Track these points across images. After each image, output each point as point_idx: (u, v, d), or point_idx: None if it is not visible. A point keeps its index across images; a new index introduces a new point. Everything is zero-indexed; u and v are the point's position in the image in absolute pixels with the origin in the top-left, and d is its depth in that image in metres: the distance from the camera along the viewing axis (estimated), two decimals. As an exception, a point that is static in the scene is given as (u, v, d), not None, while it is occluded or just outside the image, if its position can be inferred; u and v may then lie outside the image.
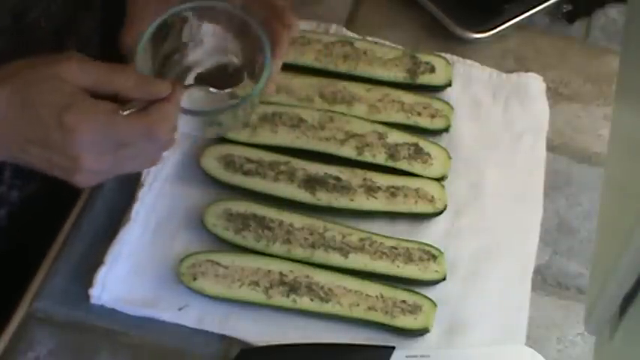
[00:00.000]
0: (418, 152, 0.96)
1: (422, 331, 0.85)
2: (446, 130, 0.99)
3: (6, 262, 0.94)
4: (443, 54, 1.05)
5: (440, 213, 0.93)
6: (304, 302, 0.85)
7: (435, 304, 0.86)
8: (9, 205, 0.93)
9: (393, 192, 0.93)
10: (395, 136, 0.96)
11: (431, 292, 0.88)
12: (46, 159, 0.70)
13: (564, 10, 1.13)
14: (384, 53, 1.03)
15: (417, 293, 0.87)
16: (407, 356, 0.83)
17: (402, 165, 0.95)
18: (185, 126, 0.79)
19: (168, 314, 0.85)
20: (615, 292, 0.57)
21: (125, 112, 0.70)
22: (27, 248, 0.92)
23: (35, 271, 0.88)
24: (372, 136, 0.96)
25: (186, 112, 0.77)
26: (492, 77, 1.05)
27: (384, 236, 0.90)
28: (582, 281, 0.91)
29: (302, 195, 0.92)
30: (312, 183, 0.92)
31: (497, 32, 1.09)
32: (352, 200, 0.92)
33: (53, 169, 0.71)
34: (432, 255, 0.89)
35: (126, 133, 0.70)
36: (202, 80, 0.81)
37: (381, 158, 0.95)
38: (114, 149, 0.71)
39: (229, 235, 0.89)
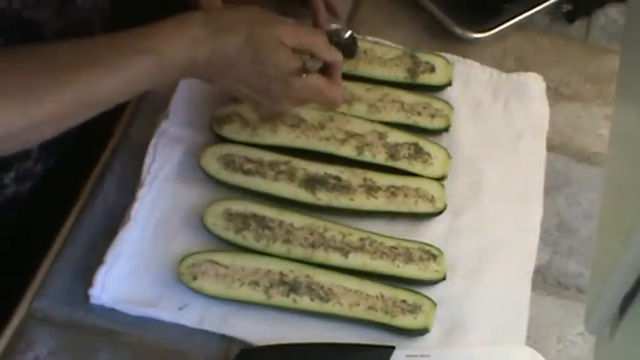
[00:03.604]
0: (418, 152, 0.96)
1: (422, 331, 0.85)
2: (446, 129, 0.99)
3: (11, 254, 0.96)
4: (443, 54, 1.05)
5: (440, 213, 0.93)
6: (304, 302, 0.85)
7: (434, 304, 0.86)
8: (33, 178, 0.95)
9: (393, 192, 0.93)
10: (395, 136, 0.96)
11: (431, 292, 0.88)
12: (253, 98, 0.88)
13: (564, 10, 1.13)
14: (384, 53, 1.03)
15: (417, 293, 0.87)
16: (407, 356, 0.83)
17: (402, 165, 0.95)
18: None
19: (168, 314, 0.85)
20: (615, 292, 0.56)
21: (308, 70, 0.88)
22: (43, 225, 0.93)
23: (36, 268, 0.88)
24: (372, 135, 0.96)
25: None
26: (492, 77, 1.05)
27: (384, 236, 0.90)
28: (582, 281, 0.91)
29: (302, 195, 0.92)
30: (312, 183, 0.92)
31: (497, 32, 1.09)
32: (352, 200, 0.92)
33: (251, 102, 0.90)
34: (432, 255, 0.89)
35: (328, 94, 0.89)
36: None
37: (381, 158, 0.95)
38: (307, 101, 0.90)
39: (229, 234, 0.89)
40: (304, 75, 0.87)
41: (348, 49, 0.96)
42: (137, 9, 1.03)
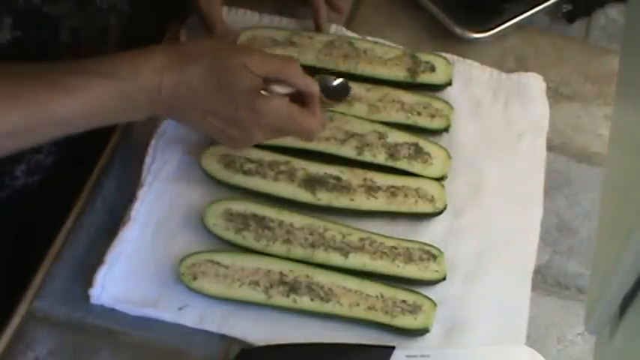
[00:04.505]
0: (418, 152, 0.96)
1: (422, 331, 0.85)
2: (446, 129, 0.99)
3: (15, 250, 0.97)
4: (443, 54, 1.05)
5: (440, 213, 0.93)
6: (304, 302, 0.85)
7: (434, 304, 0.86)
8: (44, 170, 0.95)
9: (393, 192, 0.93)
10: (395, 136, 0.96)
11: (431, 292, 0.88)
12: (223, 130, 0.85)
13: (564, 10, 1.13)
14: (384, 53, 1.03)
15: (417, 293, 0.87)
16: (407, 356, 0.83)
17: (402, 165, 0.95)
18: None
19: (168, 314, 0.85)
20: (615, 292, 0.57)
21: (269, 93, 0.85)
22: (51, 216, 0.94)
23: (36, 268, 0.88)
24: (372, 135, 0.96)
25: None
26: (492, 77, 1.05)
27: (384, 236, 0.90)
28: (582, 281, 0.91)
29: (302, 195, 0.92)
30: (312, 183, 0.92)
31: (497, 32, 1.09)
32: (352, 200, 0.92)
33: (223, 137, 0.86)
34: (432, 255, 0.89)
35: (296, 124, 0.85)
36: None
37: (381, 158, 0.95)
38: (280, 131, 0.87)
39: (229, 234, 0.89)
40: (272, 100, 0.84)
41: (337, 95, 0.93)
42: (156, 14, 1.04)
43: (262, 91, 0.84)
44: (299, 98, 0.87)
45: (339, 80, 0.94)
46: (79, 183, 0.95)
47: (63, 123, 0.80)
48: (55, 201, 0.94)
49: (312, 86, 0.87)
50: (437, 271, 0.89)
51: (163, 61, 0.81)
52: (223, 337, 0.85)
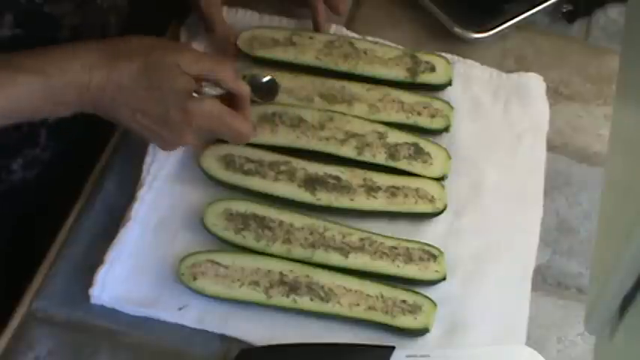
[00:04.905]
0: (418, 152, 0.96)
1: (422, 331, 0.85)
2: (446, 129, 0.99)
3: (15, 246, 0.97)
4: (443, 54, 1.05)
5: (440, 213, 0.93)
6: (304, 302, 0.85)
7: (435, 304, 0.86)
8: (41, 165, 0.95)
9: (393, 192, 0.93)
10: (395, 136, 0.96)
11: (431, 292, 0.88)
12: (153, 130, 0.84)
13: (564, 10, 1.13)
14: (384, 52, 1.03)
15: (417, 293, 0.87)
16: (407, 356, 0.83)
17: (402, 165, 0.95)
18: None
19: (168, 314, 0.85)
20: (615, 292, 0.56)
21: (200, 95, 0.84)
22: (48, 211, 0.94)
23: (36, 268, 0.88)
24: (372, 135, 0.96)
25: None
26: (492, 77, 1.05)
27: (384, 236, 0.90)
28: (582, 281, 0.91)
29: (302, 195, 0.92)
30: (312, 183, 0.92)
31: (497, 32, 1.09)
32: (352, 200, 0.92)
33: (153, 137, 0.86)
34: (432, 255, 0.89)
35: (227, 128, 0.86)
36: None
37: (381, 158, 0.95)
38: (210, 133, 0.87)
39: (229, 234, 0.89)
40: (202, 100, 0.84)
41: (267, 93, 0.94)
42: (155, 13, 1.04)
43: (194, 93, 0.84)
44: (231, 99, 0.87)
45: (268, 78, 0.95)
46: (76, 179, 0.95)
47: None
48: (53, 196, 0.94)
49: (244, 89, 0.87)
50: (437, 271, 0.89)
51: (93, 57, 0.81)
52: (223, 337, 0.85)
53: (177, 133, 0.85)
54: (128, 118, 0.84)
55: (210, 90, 0.85)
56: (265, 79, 0.95)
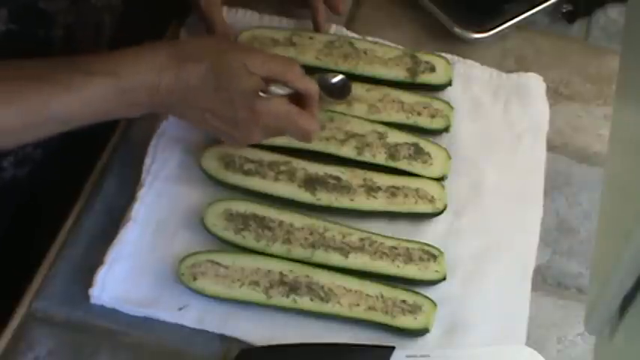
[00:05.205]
0: (418, 152, 0.96)
1: (422, 331, 0.85)
2: (446, 129, 0.99)
3: (13, 246, 0.97)
4: (443, 54, 1.05)
5: (440, 213, 0.93)
6: (304, 302, 0.85)
7: (435, 304, 0.86)
8: (32, 162, 0.95)
9: (393, 192, 0.93)
10: (395, 136, 0.96)
11: (431, 292, 0.88)
12: (222, 129, 0.86)
13: (564, 10, 1.13)
14: (384, 53, 1.03)
15: (417, 293, 0.87)
16: (407, 356, 0.83)
17: (402, 165, 0.95)
18: None
19: (168, 314, 0.85)
20: (615, 292, 0.57)
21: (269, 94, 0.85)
22: (44, 210, 0.95)
23: (36, 268, 0.88)
24: (372, 136, 0.96)
25: None
26: (492, 77, 1.05)
27: (384, 236, 0.90)
28: (582, 281, 0.91)
29: (302, 195, 0.92)
30: (312, 183, 0.92)
31: (497, 32, 1.09)
32: (352, 200, 0.92)
33: (221, 134, 0.88)
34: (432, 255, 0.89)
35: (294, 125, 0.86)
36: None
37: (381, 158, 0.95)
38: (278, 131, 0.87)
39: (229, 235, 0.89)
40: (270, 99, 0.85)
41: (338, 92, 0.95)
42: (150, 13, 1.04)
43: (261, 93, 0.84)
44: (298, 99, 0.87)
45: (339, 77, 0.95)
46: (73, 179, 0.95)
47: (61, 121, 0.81)
48: (48, 195, 0.94)
49: (312, 88, 0.87)
50: (437, 271, 0.89)
51: (163, 59, 0.82)
52: (223, 337, 0.85)
53: (245, 132, 0.86)
54: (198, 119, 0.86)
55: (277, 89, 0.86)
56: (335, 80, 0.96)
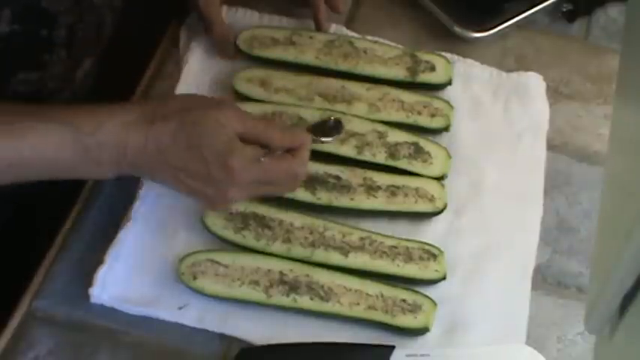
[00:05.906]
0: (418, 151, 0.96)
1: (422, 330, 0.85)
2: (446, 129, 0.99)
3: (11, 246, 0.97)
4: (443, 53, 1.05)
5: (440, 212, 0.93)
6: (304, 301, 0.85)
7: (435, 303, 0.86)
8: None
9: (393, 191, 0.93)
10: (395, 135, 0.96)
11: (431, 292, 0.88)
12: (196, 188, 0.82)
13: (564, 10, 1.13)
14: (384, 52, 1.03)
15: (417, 292, 0.87)
16: (407, 355, 0.83)
17: (402, 164, 0.95)
18: None
19: (168, 313, 0.85)
20: (615, 291, 0.57)
21: (264, 158, 0.82)
22: (39, 210, 0.95)
23: (36, 268, 0.88)
24: (372, 135, 0.96)
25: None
26: (492, 76, 1.05)
27: (384, 235, 0.90)
28: (582, 280, 0.91)
29: (302, 194, 0.92)
30: (312, 182, 0.92)
31: (497, 31, 1.09)
32: (352, 199, 0.92)
33: (197, 195, 0.83)
34: (432, 254, 0.89)
35: (275, 174, 0.83)
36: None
37: (381, 157, 0.95)
38: (258, 186, 0.83)
39: (229, 234, 0.89)
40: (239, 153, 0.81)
41: (330, 131, 0.92)
42: (150, 13, 1.04)
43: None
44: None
45: (332, 120, 0.93)
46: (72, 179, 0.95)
47: (15, 168, 0.78)
48: (45, 195, 0.94)
49: (299, 140, 0.84)
50: (437, 270, 0.89)
51: (132, 117, 0.80)
52: (223, 337, 0.85)
53: (221, 191, 0.81)
54: (171, 179, 0.82)
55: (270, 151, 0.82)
56: (329, 122, 0.93)
